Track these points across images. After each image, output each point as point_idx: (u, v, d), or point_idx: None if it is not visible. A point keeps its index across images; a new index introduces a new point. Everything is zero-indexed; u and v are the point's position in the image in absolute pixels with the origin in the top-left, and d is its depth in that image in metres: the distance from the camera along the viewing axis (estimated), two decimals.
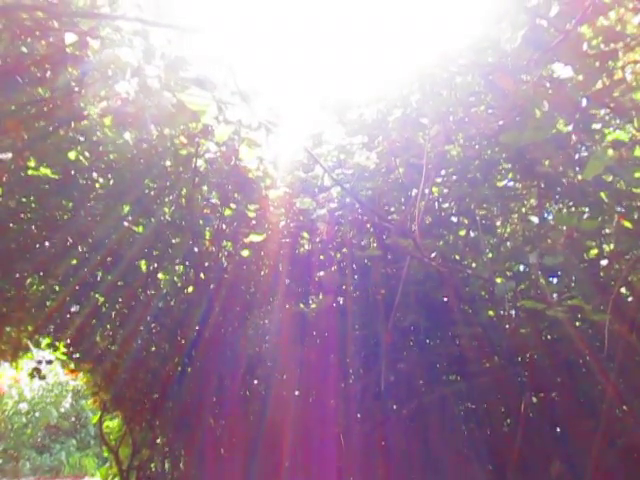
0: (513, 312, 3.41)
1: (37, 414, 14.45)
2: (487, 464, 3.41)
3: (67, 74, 2.82)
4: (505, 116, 2.88)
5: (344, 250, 4.05)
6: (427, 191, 3.33)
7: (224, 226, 4.38)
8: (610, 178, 3.10)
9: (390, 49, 3.33)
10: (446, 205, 3.93)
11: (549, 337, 3.38)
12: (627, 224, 3.17)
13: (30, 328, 5.31)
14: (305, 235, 4.19)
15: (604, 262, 3.39)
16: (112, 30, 2.54)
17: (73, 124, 3.29)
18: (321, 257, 4.14)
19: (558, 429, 3.45)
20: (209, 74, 2.87)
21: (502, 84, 2.49)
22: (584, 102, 2.59)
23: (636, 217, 3.22)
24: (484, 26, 2.56)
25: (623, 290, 3.12)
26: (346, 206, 3.60)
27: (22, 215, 4.11)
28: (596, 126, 2.96)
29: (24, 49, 2.80)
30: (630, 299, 3.09)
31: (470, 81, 2.84)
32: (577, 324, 3.19)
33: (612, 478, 2.94)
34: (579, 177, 3.18)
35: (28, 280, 4.79)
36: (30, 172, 3.58)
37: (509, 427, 3.58)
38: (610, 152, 2.39)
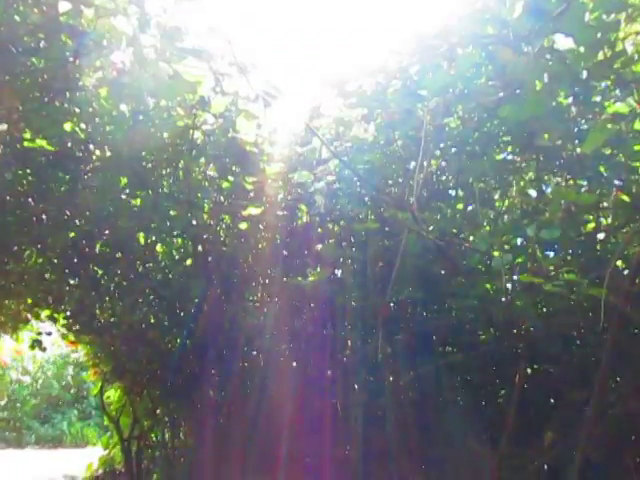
0: (510, 285, 3.43)
1: (39, 386, 14.65)
2: (482, 434, 3.48)
3: (62, 44, 2.78)
4: (505, 88, 2.85)
5: (342, 223, 4.05)
6: (425, 164, 3.32)
7: (222, 199, 4.37)
8: (609, 151, 3.08)
9: (390, 19, 3.27)
10: (444, 178, 3.92)
11: (545, 310, 3.41)
12: (625, 198, 3.17)
13: (29, 301, 5.35)
14: (303, 208, 4.19)
15: (601, 235, 3.40)
16: None
17: (68, 95, 3.25)
18: (319, 230, 4.14)
19: (552, 399, 3.51)
20: (206, 45, 2.83)
21: (502, 56, 2.46)
22: (584, 74, 2.56)
23: (634, 190, 3.22)
24: None
25: (619, 263, 3.14)
26: (344, 179, 3.59)
27: (19, 188, 4.09)
28: (596, 98, 2.93)
29: (17, 18, 2.75)
30: (626, 272, 3.11)
31: (470, 52, 2.80)
32: (573, 297, 3.21)
33: (604, 446, 3.00)
34: (578, 150, 3.16)
35: (26, 253, 4.79)
36: (26, 144, 3.54)
37: (504, 398, 3.64)
38: (610, 126, 2.37)
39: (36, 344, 5.77)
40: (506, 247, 3.38)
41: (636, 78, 2.59)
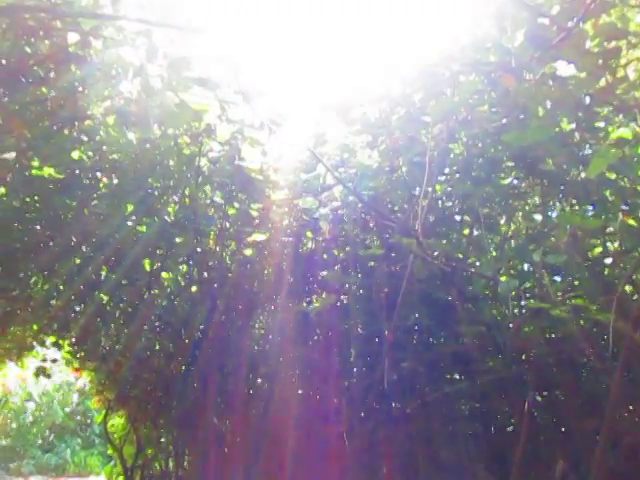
0: (517, 311, 3.40)
1: (43, 413, 14.53)
2: (491, 463, 3.41)
3: (70, 74, 2.83)
4: (508, 114, 2.87)
5: (347, 249, 4.05)
6: (430, 190, 3.33)
7: (228, 225, 4.39)
8: (614, 176, 3.08)
9: (393, 48, 3.32)
10: (449, 204, 3.93)
11: (553, 336, 3.37)
12: (631, 222, 3.16)
13: (35, 327, 5.35)
14: (308, 234, 4.20)
15: (608, 260, 3.38)
16: (115, 30, 2.55)
17: (77, 124, 3.30)
18: (324, 256, 4.14)
19: (562, 428, 3.44)
20: (212, 73, 2.88)
21: (505, 82, 2.48)
22: (587, 100, 2.58)
23: None
24: (486, 24, 2.56)
25: (628, 288, 3.11)
26: (349, 205, 3.60)
27: (26, 214, 4.12)
28: (599, 124, 2.95)
29: (27, 49, 2.82)
30: (635, 297, 3.07)
31: (473, 79, 2.83)
32: (581, 323, 3.18)
33: (616, 478, 2.93)
34: (583, 175, 3.16)
35: (32, 279, 4.81)
36: (34, 172, 3.59)
37: (513, 426, 3.58)
38: (613, 150, 2.37)
39: (40, 371, 5.75)
40: (512, 272, 3.37)
41: (638, 103, 2.61)
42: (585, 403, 3.27)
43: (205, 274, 4.57)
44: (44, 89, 2.96)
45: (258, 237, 3.90)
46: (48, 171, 3.56)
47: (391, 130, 3.46)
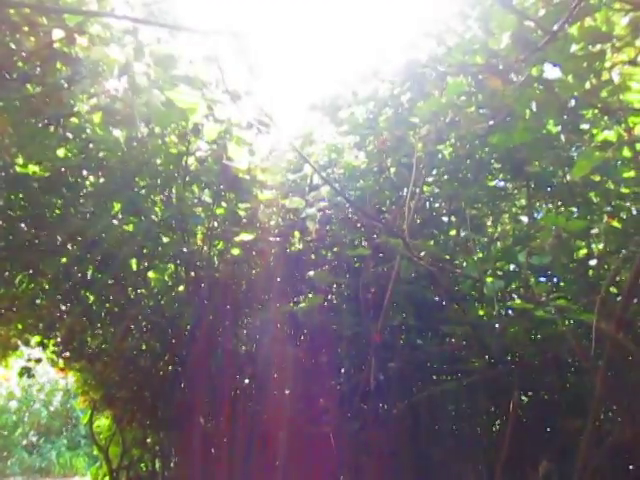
0: (503, 311, 3.42)
1: (27, 413, 14.37)
2: (477, 463, 3.43)
3: (56, 71, 2.80)
4: (495, 116, 2.89)
5: (335, 249, 4.05)
6: (418, 190, 3.34)
7: (215, 225, 4.37)
8: (598, 178, 3.12)
9: (381, 49, 3.34)
10: (437, 205, 3.95)
11: (538, 336, 3.39)
12: (616, 224, 3.19)
13: (20, 326, 5.28)
14: (296, 234, 4.20)
15: (593, 262, 3.41)
16: (101, 27, 2.53)
17: (62, 121, 3.27)
18: (312, 256, 4.14)
19: (547, 428, 3.46)
20: (199, 72, 2.87)
21: (491, 84, 2.50)
22: (572, 102, 2.61)
23: (625, 217, 3.24)
24: (473, 26, 2.57)
25: (612, 289, 3.14)
26: (336, 205, 3.61)
27: (11, 213, 4.08)
28: (584, 126, 2.98)
29: (12, 45, 2.79)
30: (619, 298, 3.11)
31: (460, 81, 2.85)
32: (566, 323, 3.20)
33: (600, 476, 2.96)
34: (568, 177, 3.19)
35: (18, 278, 4.76)
36: (18, 170, 3.55)
37: (498, 426, 3.60)
38: (598, 153, 2.40)
39: (25, 371, 5.69)
40: (498, 273, 3.39)
41: (623, 106, 2.64)
42: (570, 403, 3.30)
43: (192, 274, 4.55)
44: (29, 86, 2.93)
45: (246, 237, 3.88)
46: (33, 169, 3.52)
47: (379, 131, 3.47)
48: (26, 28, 2.66)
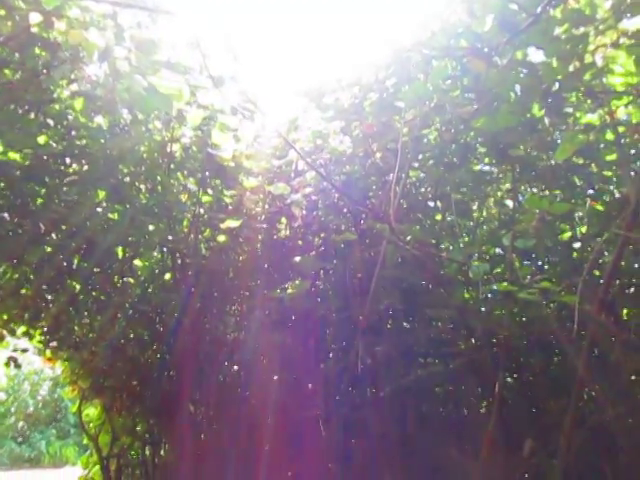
0: (488, 294, 3.46)
1: (15, 404, 14.32)
2: (463, 444, 3.48)
3: (34, 56, 2.75)
4: (480, 100, 2.89)
5: (322, 235, 4.06)
6: (403, 175, 3.34)
7: (201, 211, 4.35)
8: (581, 161, 3.14)
9: (365, 33, 3.31)
10: (422, 189, 3.95)
11: (523, 319, 3.44)
12: (598, 207, 3.23)
13: (5, 317, 5.23)
14: (283, 220, 4.19)
15: (577, 244, 3.45)
16: (80, 11, 2.48)
17: (43, 108, 3.21)
18: (298, 242, 4.14)
19: (532, 408, 3.52)
20: (182, 58, 2.83)
21: (475, 68, 2.49)
22: (556, 86, 2.61)
23: (607, 200, 3.28)
24: (457, 9, 2.56)
25: (596, 272, 3.18)
26: (322, 191, 3.60)
27: None
28: (568, 110, 2.99)
29: None
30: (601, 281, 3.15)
31: (445, 64, 2.84)
32: (550, 305, 3.24)
33: (583, 455, 3.02)
34: (552, 161, 3.21)
35: (1, 268, 4.70)
36: None
37: (484, 407, 3.65)
38: (581, 136, 2.41)
39: (11, 361, 5.65)
40: (484, 257, 3.42)
41: (605, 90, 2.65)
42: (553, 384, 3.35)
43: (179, 261, 4.53)
44: (7, 72, 2.87)
45: (232, 224, 3.87)
46: (13, 157, 3.47)
47: (364, 116, 3.46)
48: (2, 12, 2.60)
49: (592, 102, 2.96)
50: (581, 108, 3.10)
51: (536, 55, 2.52)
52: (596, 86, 2.63)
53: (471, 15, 2.39)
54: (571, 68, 2.47)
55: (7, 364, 5.63)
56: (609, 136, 3.00)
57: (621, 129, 2.92)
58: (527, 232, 2.72)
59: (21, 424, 14.14)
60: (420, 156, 3.73)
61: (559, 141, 3.12)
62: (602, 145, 3.14)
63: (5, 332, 5.44)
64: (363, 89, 3.45)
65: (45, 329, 5.31)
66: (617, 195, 3.28)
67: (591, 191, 3.35)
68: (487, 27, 2.31)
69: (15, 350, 5.63)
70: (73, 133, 3.72)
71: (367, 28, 3.17)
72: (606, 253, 3.17)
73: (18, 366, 5.69)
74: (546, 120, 3.09)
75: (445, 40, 2.70)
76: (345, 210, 3.80)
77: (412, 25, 3.01)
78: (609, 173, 3.16)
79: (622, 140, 2.92)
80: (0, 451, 13.37)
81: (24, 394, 14.44)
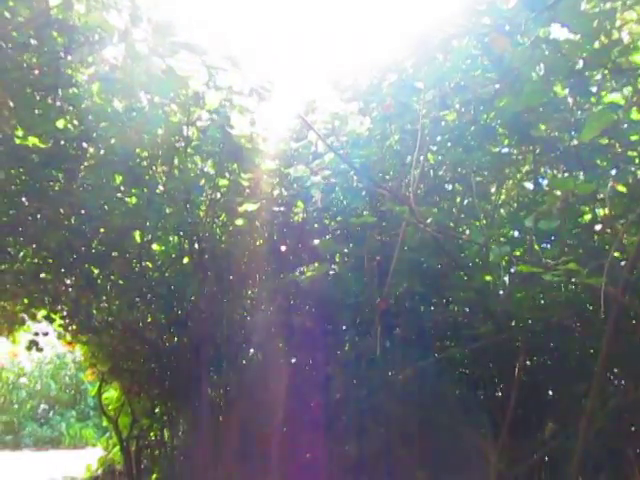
0: (507, 277, 3.42)
1: (37, 387, 14.60)
2: (482, 427, 3.47)
3: (52, 39, 2.74)
4: (501, 80, 2.83)
5: (339, 218, 4.04)
6: (422, 158, 3.30)
7: (218, 195, 4.35)
8: (605, 141, 3.07)
9: (384, 13, 3.25)
10: (441, 172, 3.91)
11: (543, 302, 3.40)
12: (621, 188, 3.16)
13: (25, 301, 5.30)
14: (299, 204, 4.17)
15: (598, 227, 3.39)
16: None
17: (60, 92, 3.21)
18: (316, 225, 4.12)
19: (552, 391, 3.50)
20: (199, 39, 2.80)
21: (498, 47, 2.44)
22: (580, 64, 2.55)
23: (630, 181, 3.21)
24: None
25: (617, 254, 3.13)
26: (341, 173, 3.57)
27: (12, 187, 4.04)
28: (592, 89, 2.92)
29: (7, 14, 2.71)
30: (623, 263, 3.10)
31: (466, 44, 2.78)
32: (571, 288, 3.21)
33: (603, 438, 3.00)
34: (574, 142, 3.15)
35: (21, 253, 4.75)
36: (18, 142, 3.50)
37: (504, 390, 3.64)
38: (608, 114, 2.35)
39: (33, 345, 5.73)
40: (503, 239, 3.37)
41: (632, 67, 2.58)
42: (575, 367, 3.33)
43: (196, 245, 4.54)
44: (25, 56, 2.86)
45: (249, 207, 3.86)
46: (33, 141, 3.47)
47: (382, 97, 3.41)
48: None
49: (616, 81, 2.89)
50: (605, 87, 3.02)
51: (559, 32, 2.46)
52: (623, 63, 2.57)
53: None
54: (597, 45, 2.41)
55: (29, 347, 5.71)
56: (634, 115, 2.93)
57: None
58: (550, 214, 2.68)
59: (43, 406, 14.44)
60: (439, 138, 3.68)
61: (582, 121, 3.06)
62: (625, 125, 3.07)
63: (26, 316, 5.52)
64: (382, 69, 3.40)
65: (65, 313, 5.38)
66: None
67: (613, 172, 3.28)
68: (512, 3, 2.26)
69: (36, 334, 5.71)
70: (90, 117, 3.72)
71: (386, 7, 3.11)
72: (627, 235, 3.12)
73: (40, 349, 5.77)
74: (569, 99, 3.02)
75: (466, 18, 2.65)
76: (363, 193, 3.77)
77: (432, 3, 2.95)
78: (633, 153, 3.09)
79: None
80: (23, 432, 13.68)
81: (47, 377, 14.73)
